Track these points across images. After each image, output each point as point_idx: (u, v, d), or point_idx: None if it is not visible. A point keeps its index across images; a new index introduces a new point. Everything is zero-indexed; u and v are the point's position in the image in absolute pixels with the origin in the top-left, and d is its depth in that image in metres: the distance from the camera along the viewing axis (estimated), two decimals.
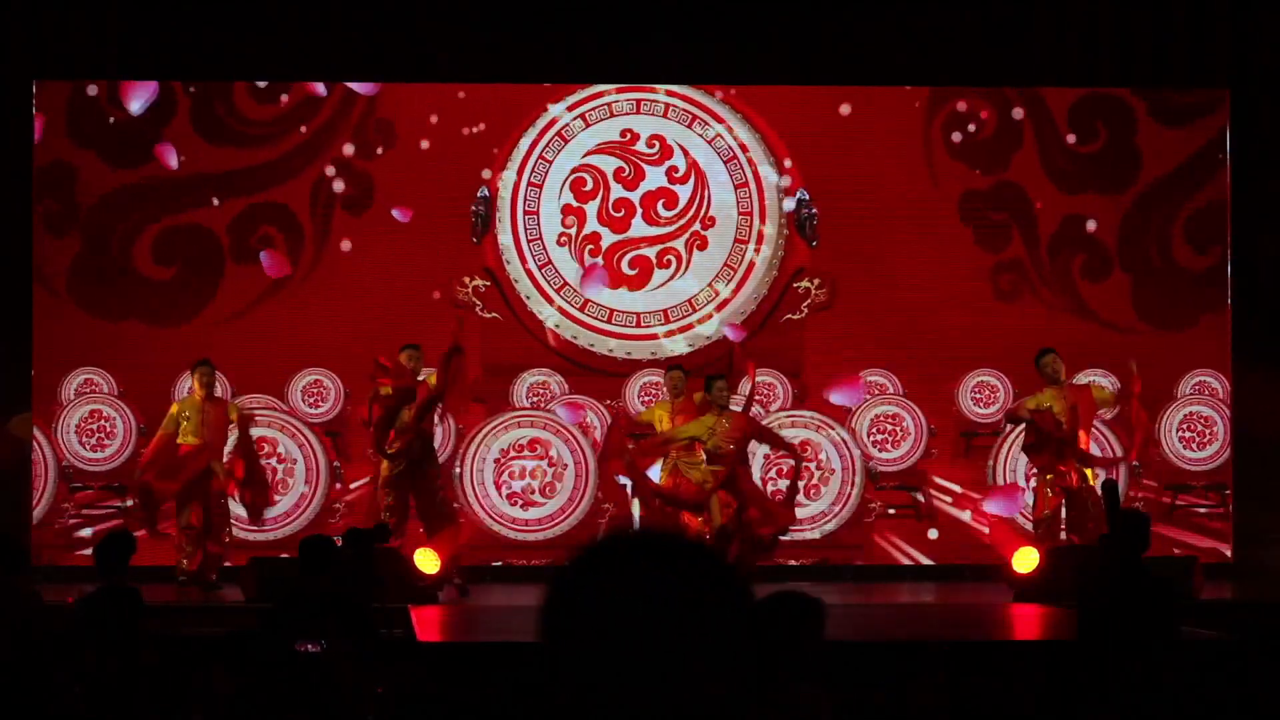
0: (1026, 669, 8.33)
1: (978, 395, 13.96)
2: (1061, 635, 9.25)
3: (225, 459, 12.40)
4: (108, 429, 13.64)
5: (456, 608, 11.61)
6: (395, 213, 13.70)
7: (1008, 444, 13.51)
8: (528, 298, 13.92)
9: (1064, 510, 12.11)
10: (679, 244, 13.96)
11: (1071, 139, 14.02)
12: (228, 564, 12.26)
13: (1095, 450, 12.60)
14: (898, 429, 13.94)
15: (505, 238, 13.91)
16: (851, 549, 13.80)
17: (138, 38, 13.55)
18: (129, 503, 13.27)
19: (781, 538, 12.24)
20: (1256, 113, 13.99)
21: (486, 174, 13.84)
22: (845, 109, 13.97)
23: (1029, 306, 13.95)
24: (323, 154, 13.78)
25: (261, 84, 13.71)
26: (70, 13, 13.56)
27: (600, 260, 13.87)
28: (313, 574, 7.57)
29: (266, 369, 13.70)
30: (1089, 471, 12.06)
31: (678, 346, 13.87)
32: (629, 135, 13.97)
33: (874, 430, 13.91)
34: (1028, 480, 12.95)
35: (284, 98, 13.76)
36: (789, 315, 13.98)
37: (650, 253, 13.95)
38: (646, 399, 13.72)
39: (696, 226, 13.96)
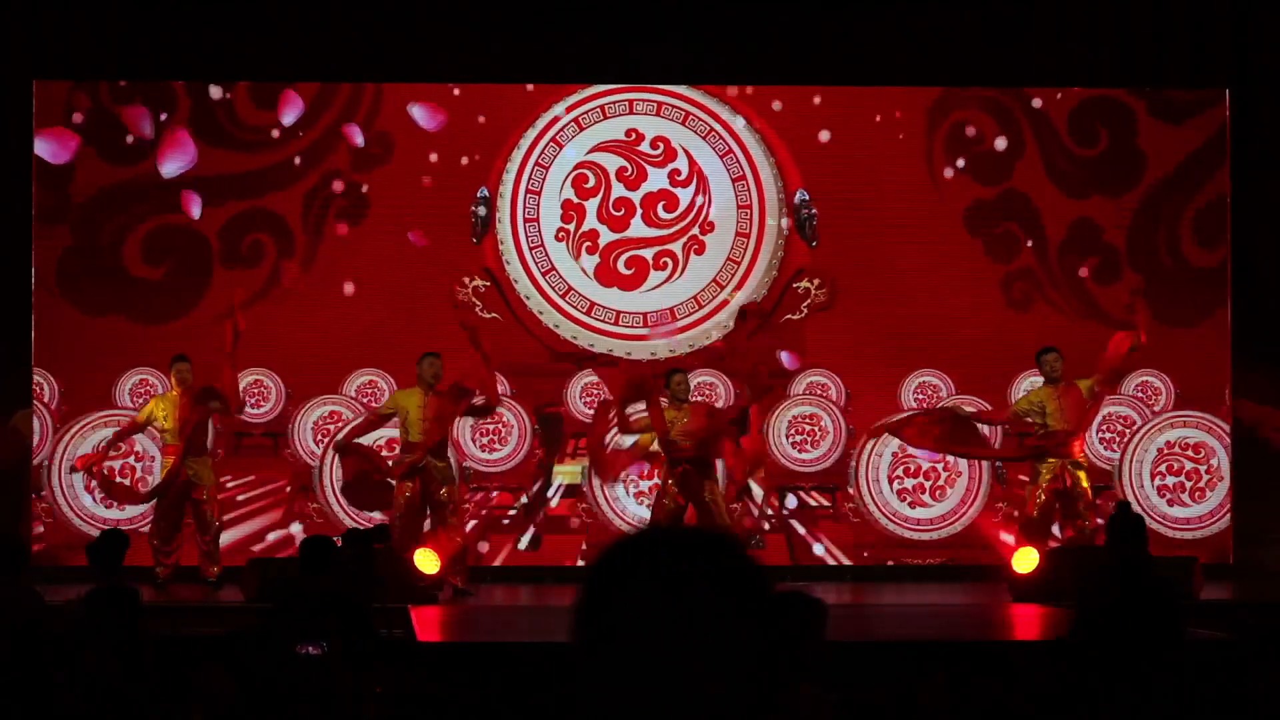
0: (1026, 669, 8.32)
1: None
2: (1061, 635, 9.25)
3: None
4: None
5: (456, 608, 11.61)
6: (411, 236, 13.66)
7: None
8: (527, 298, 13.91)
9: (1057, 506, 12.09)
10: (676, 247, 13.94)
11: (1072, 142, 13.98)
12: (228, 565, 12.25)
13: (1087, 453, 12.53)
14: (816, 429, 13.87)
15: (504, 237, 13.90)
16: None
17: (138, 38, 13.55)
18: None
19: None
20: (1256, 112, 13.99)
21: (483, 185, 13.82)
22: (845, 110, 13.97)
23: (1040, 311, 13.85)
24: (323, 154, 13.75)
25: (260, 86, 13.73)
26: (70, 13, 13.55)
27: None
28: (313, 574, 7.58)
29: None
30: (1082, 474, 12.04)
31: (679, 348, 13.84)
32: (633, 135, 13.95)
33: (792, 431, 13.84)
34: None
35: (284, 100, 13.74)
36: (789, 315, 13.97)
37: (647, 254, 13.94)
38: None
39: (695, 231, 13.94)
